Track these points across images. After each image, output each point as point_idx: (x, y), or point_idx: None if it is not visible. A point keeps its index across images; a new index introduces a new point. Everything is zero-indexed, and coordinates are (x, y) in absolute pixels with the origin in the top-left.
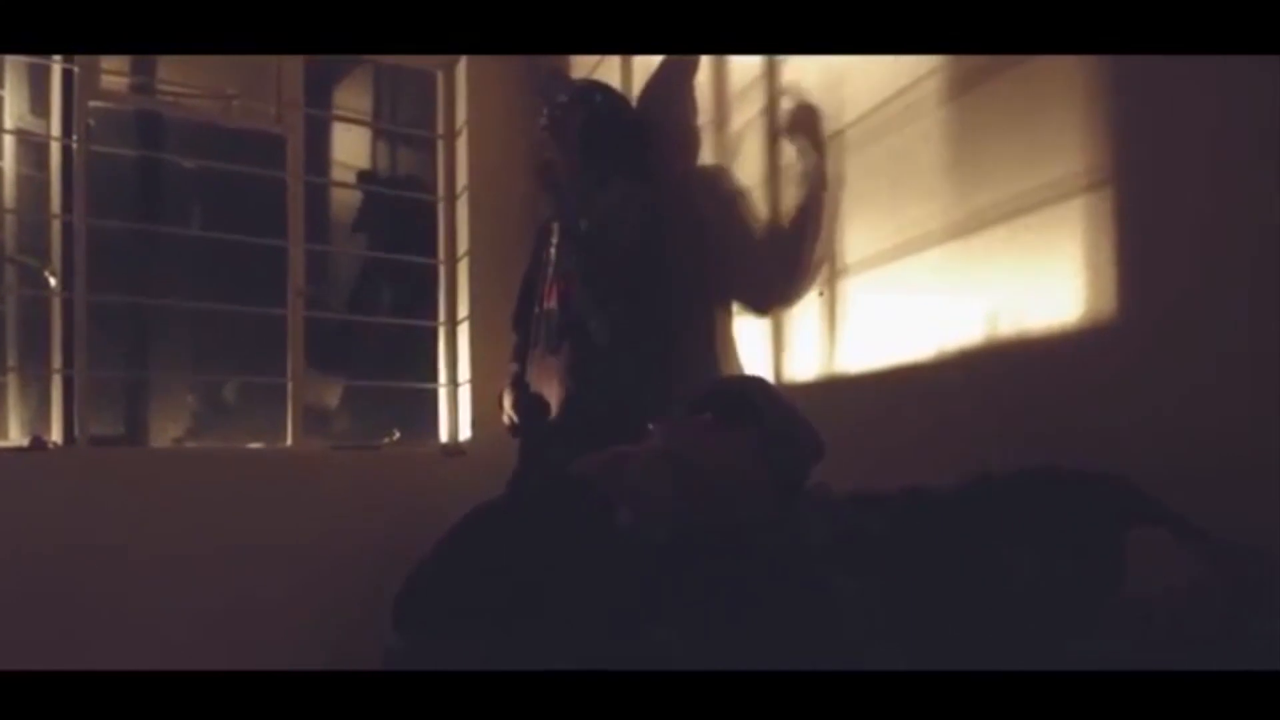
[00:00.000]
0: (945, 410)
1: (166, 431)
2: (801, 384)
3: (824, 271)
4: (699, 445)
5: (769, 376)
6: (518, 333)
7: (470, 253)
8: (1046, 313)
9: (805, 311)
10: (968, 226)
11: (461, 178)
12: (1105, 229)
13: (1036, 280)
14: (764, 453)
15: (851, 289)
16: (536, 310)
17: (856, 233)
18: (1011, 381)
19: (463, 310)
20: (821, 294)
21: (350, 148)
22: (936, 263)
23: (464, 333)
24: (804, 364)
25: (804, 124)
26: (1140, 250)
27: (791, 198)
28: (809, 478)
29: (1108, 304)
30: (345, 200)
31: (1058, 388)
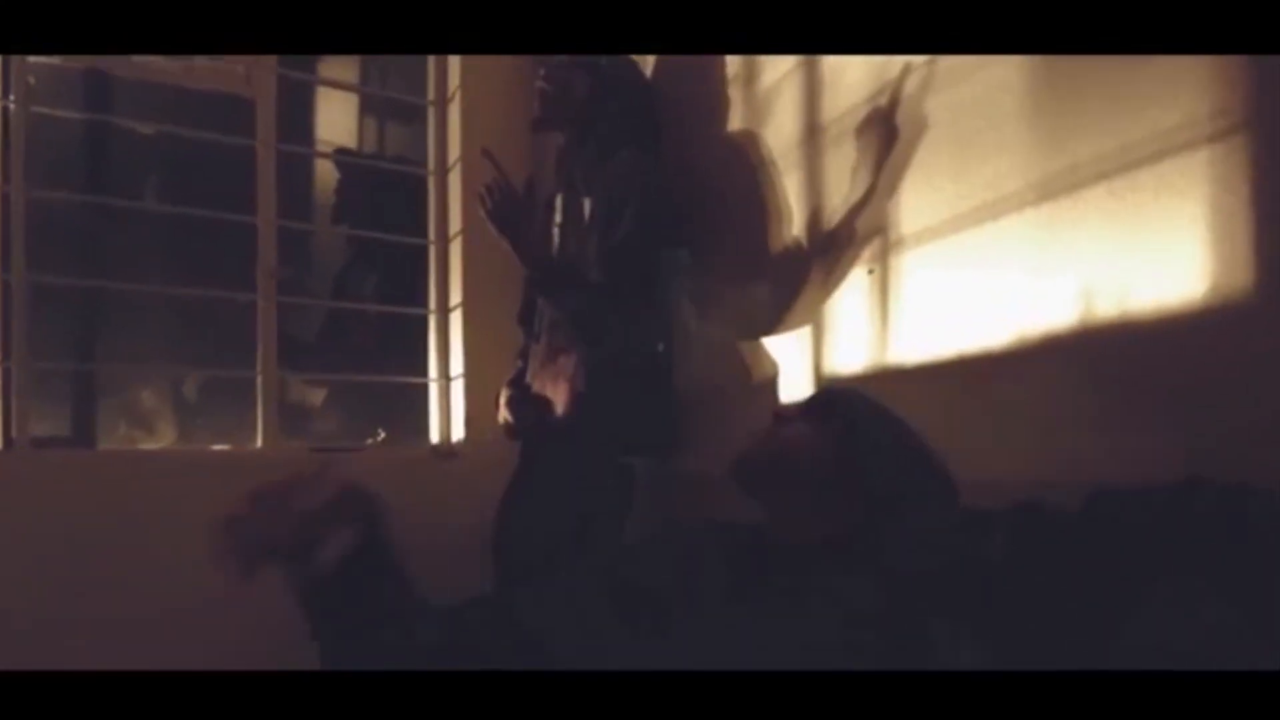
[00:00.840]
0: (1031, 410)
1: (119, 431)
2: (848, 381)
3: (874, 246)
4: (780, 446)
5: (809, 373)
6: (524, 328)
7: (464, 232)
8: (1157, 292)
9: (851, 294)
10: (1057, 187)
11: (454, 149)
12: (1232, 188)
13: (1145, 252)
14: (851, 458)
15: (909, 266)
16: (539, 301)
17: (915, 198)
18: (1114, 376)
19: (455, 296)
20: (872, 272)
21: (330, 113)
22: (1017, 232)
23: (457, 321)
24: (851, 357)
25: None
26: (1275, 214)
27: (833, 162)
28: (913, 499)
29: (1234, 280)
30: (324, 173)
31: (1172, 382)
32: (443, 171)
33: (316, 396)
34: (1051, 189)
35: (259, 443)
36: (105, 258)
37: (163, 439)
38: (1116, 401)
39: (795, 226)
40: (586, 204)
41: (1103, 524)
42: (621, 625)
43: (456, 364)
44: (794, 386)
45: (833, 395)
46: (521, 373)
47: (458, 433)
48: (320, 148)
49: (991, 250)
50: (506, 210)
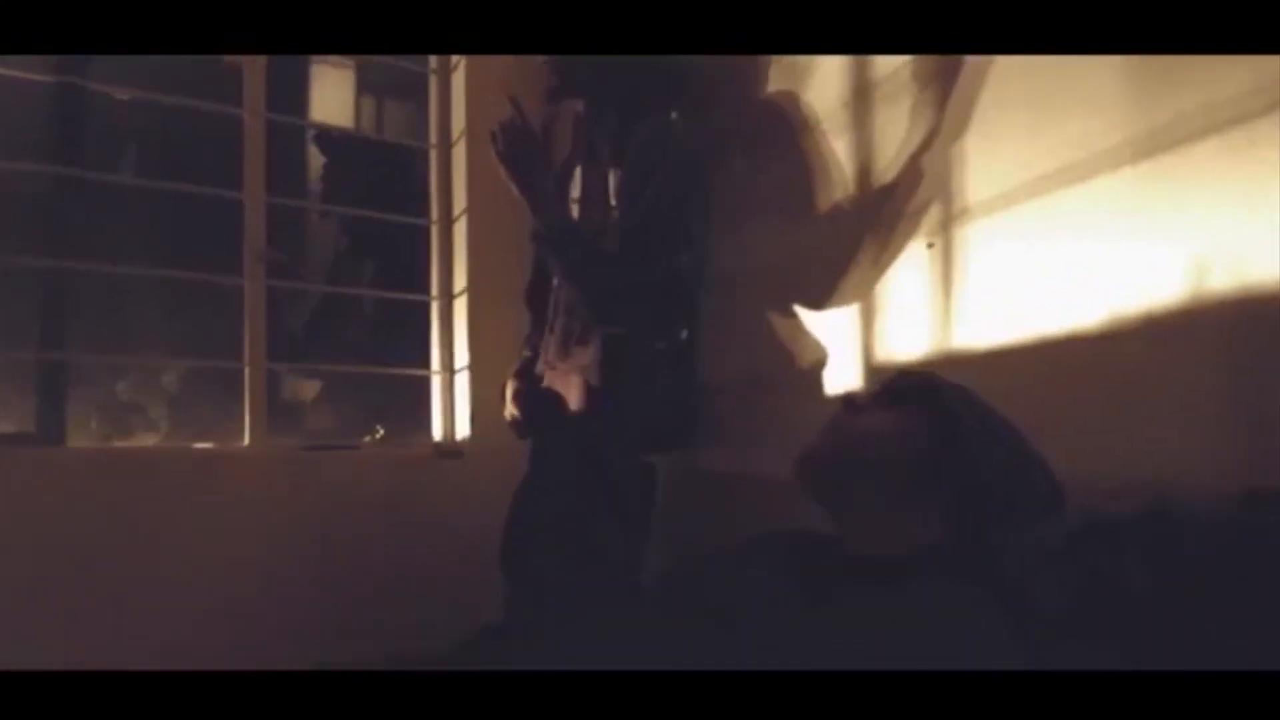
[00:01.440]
0: (1134, 403)
1: (90, 428)
2: (905, 368)
3: (934, 216)
4: (855, 441)
5: (857, 362)
6: (532, 310)
7: (469, 211)
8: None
9: (907, 272)
10: (1158, 143)
11: (458, 120)
12: None
13: (1267, 216)
14: (943, 455)
15: (977, 238)
16: (555, 283)
17: (985, 160)
18: (1234, 361)
19: (460, 282)
20: (931, 246)
21: (324, 81)
22: (1109, 195)
23: (461, 309)
24: (907, 343)
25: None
26: None
27: (885, 124)
28: (1020, 503)
29: None
30: (317, 146)
31: None
32: (446, 146)
33: (309, 390)
34: (1152, 145)
35: (246, 441)
36: (76, 236)
37: (140, 436)
38: (1237, 391)
39: (842, 197)
40: (609, 177)
41: (1257, 534)
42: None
43: (461, 355)
44: (841, 377)
45: (914, 382)
46: (529, 363)
47: (462, 430)
48: (314, 118)
49: (1079, 218)
50: (521, 151)
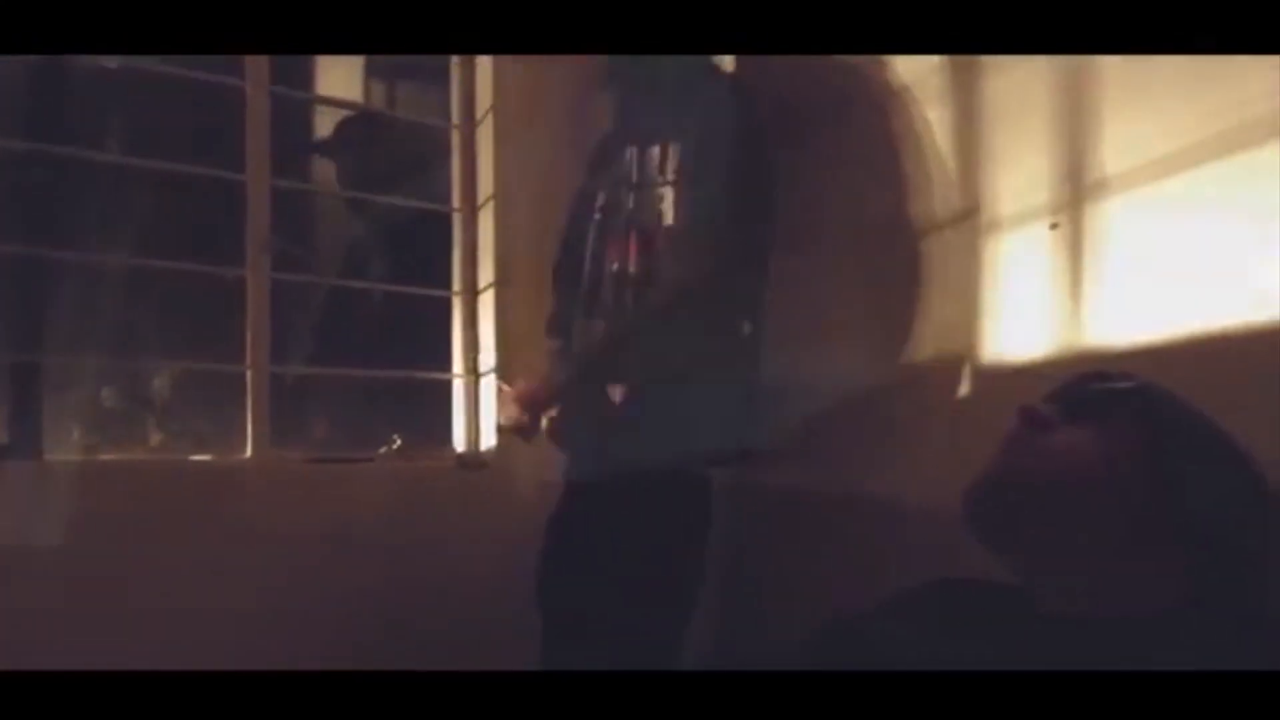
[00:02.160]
0: None
1: (71, 438)
2: (1025, 369)
3: (1058, 193)
4: (1076, 468)
5: (963, 357)
6: (559, 294)
7: (496, 197)
8: None
9: (1025, 258)
10: None
11: (485, 97)
12: None
13: None
14: (1165, 484)
15: (1113, 216)
16: (587, 266)
17: (1122, 128)
18: None
19: (486, 275)
20: (1055, 227)
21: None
22: (1272, 166)
23: (487, 305)
24: (1026, 340)
25: None
26: None
27: (991, 86)
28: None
29: None
30: (328, 123)
31: None
32: (470, 123)
33: (317, 395)
34: None
35: (248, 452)
36: (56, 221)
37: (128, 448)
38: None
39: (940, 170)
40: (660, 155)
41: None
42: None
43: (487, 356)
44: (941, 377)
45: (1110, 386)
46: (562, 356)
47: (487, 439)
48: (324, 92)
49: (1236, 193)
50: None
